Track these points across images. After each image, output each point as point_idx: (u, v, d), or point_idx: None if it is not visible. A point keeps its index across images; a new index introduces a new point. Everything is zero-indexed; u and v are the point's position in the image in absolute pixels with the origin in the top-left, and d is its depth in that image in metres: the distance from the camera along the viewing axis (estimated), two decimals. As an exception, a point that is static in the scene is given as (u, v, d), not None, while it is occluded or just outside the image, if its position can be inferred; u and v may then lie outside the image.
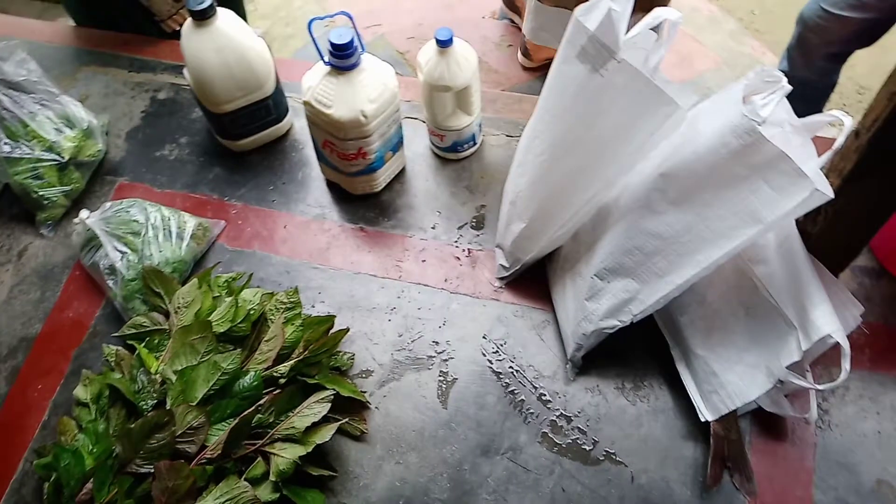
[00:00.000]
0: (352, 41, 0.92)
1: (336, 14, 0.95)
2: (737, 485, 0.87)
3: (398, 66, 1.02)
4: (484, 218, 1.08)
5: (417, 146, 1.15)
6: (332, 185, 1.12)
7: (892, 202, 0.78)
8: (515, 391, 0.95)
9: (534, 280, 1.02)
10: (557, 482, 0.89)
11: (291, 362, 0.90)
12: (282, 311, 0.95)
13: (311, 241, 1.08)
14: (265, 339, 0.92)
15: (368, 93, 0.95)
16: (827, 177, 0.80)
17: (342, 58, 0.93)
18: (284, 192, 1.13)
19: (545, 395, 0.94)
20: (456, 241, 1.06)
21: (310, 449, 0.85)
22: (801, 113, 0.83)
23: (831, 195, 0.77)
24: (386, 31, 1.51)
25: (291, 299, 0.96)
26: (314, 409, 0.88)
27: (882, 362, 0.94)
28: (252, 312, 0.94)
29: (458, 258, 1.05)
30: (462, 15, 1.52)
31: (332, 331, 0.94)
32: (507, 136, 1.16)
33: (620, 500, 0.87)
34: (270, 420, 0.87)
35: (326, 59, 0.94)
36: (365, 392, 0.95)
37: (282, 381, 0.89)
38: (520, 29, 1.44)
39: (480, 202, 1.10)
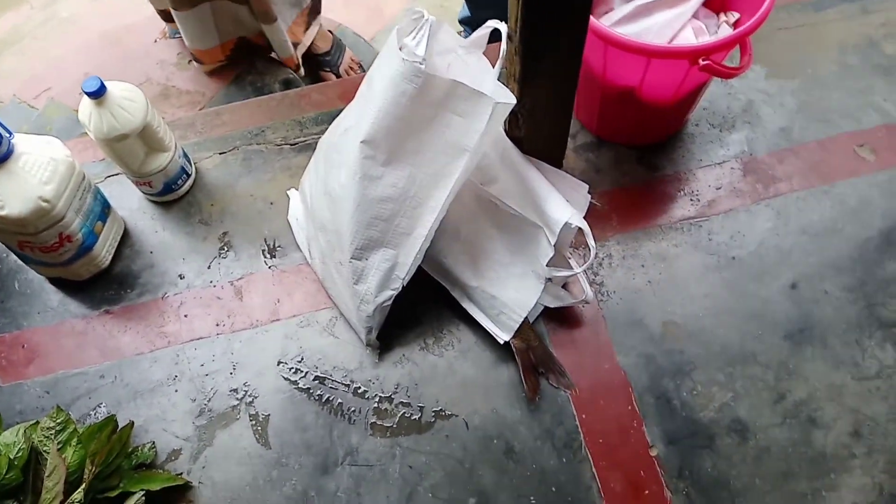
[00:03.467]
0: (-10, 131, 0.81)
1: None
2: (554, 384, 0.92)
3: (79, 126, 0.92)
4: (231, 244, 1.03)
5: (132, 202, 1.05)
6: (57, 281, 1.00)
7: (566, 88, 0.83)
8: (330, 398, 0.92)
9: (303, 282, 0.99)
10: (402, 462, 0.88)
11: (84, 485, 0.81)
12: (52, 437, 0.84)
13: (59, 348, 0.96)
14: (46, 475, 0.82)
15: (39, 176, 0.85)
16: (507, 84, 0.84)
17: (-12, 152, 0.81)
18: (7, 310, 0.99)
19: (360, 387, 0.93)
20: (212, 281, 1.00)
21: (141, 562, 0.78)
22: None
23: (514, 101, 0.80)
24: (56, 93, 1.36)
25: (58, 420, 0.85)
26: (129, 520, 0.80)
27: (629, 220, 1.02)
28: (19, 455, 0.83)
29: (220, 297, 0.99)
30: (132, 47, 1.41)
31: (117, 432, 0.86)
32: (220, 153, 1.10)
33: (464, 449, 0.89)
34: (89, 554, 0.79)
35: (-29, 159, 0.82)
36: (181, 473, 0.88)
37: (82, 509, 0.80)
38: None
39: (221, 230, 1.04)
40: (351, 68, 1.47)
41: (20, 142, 0.86)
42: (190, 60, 1.36)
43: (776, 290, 0.96)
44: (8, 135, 0.84)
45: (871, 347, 0.92)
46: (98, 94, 0.87)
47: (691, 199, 1.02)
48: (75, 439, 0.84)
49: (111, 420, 0.86)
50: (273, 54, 1.34)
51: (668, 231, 1.00)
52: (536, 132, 0.90)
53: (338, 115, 0.94)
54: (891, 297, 0.95)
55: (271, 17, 1.25)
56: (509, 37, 0.77)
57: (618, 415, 0.90)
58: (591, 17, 0.84)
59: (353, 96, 0.89)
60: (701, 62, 0.83)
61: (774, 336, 0.93)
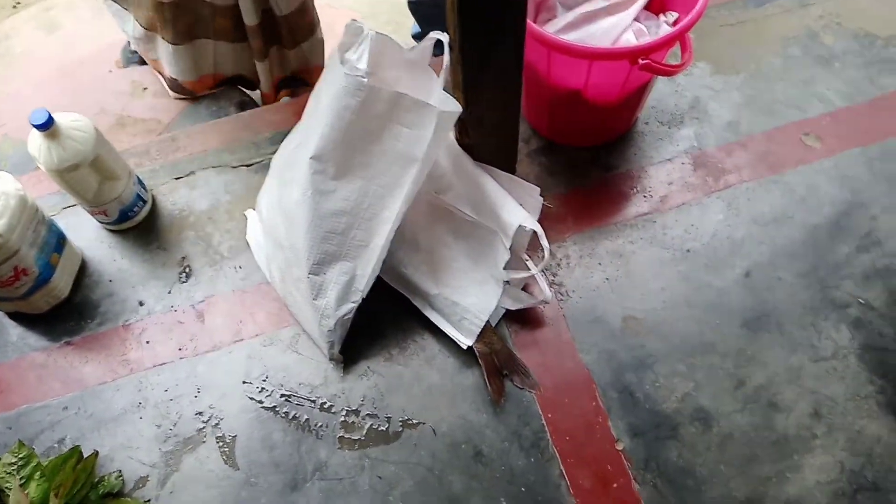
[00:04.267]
0: (-65, 168, 0.80)
1: None
2: (519, 385, 0.92)
3: (33, 161, 0.92)
4: (190, 268, 1.02)
5: (89, 232, 1.05)
6: (15, 315, 1.00)
7: (509, 95, 0.84)
8: (297, 415, 0.92)
9: (265, 302, 0.99)
10: (371, 474, 0.88)
11: (49, 520, 0.80)
12: (15, 473, 0.84)
13: (20, 383, 0.95)
14: (9, 512, 0.81)
15: (-10, 210, 0.85)
16: (453, 93, 0.85)
17: (-65, 189, 0.81)
18: (-36, 348, 0.98)
19: (326, 402, 0.93)
20: (172, 306, 1.00)
21: (110, 593, 0.77)
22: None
23: (459, 109, 0.81)
24: (10, 129, 1.35)
25: (20, 455, 0.85)
26: (96, 551, 0.80)
27: (584, 220, 1.03)
28: (-19, 494, 0.82)
29: (182, 321, 0.98)
30: (86, 78, 1.40)
31: (81, 462, 0.85)
32: (176, 178, 1.10)
33: (432, 456, 0.89)
34: (57, 588, 0.78)
35: (-82, 196, 0.82)
36: (149, 500, 0.87)
37: (49, 544, 0.79)
38: (145, 63, 1.37)
39: (180, 255, 1.04)
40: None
41: (-31, 178, 0.85)
42: (146, 88, 1.36)
43: (731, 280, 0.98)
44: (-45, 172, 0.84)
45: (826, 329, 0.94)
46: (46, 126, 0.87)
47: (644, 196, 1.04)
48: (38, 473, 0.83)
49: (76, 451, 0.86)
50: (258, 89, 1.37)
51: (624, 228, 1.02)
52: (485, 140, 0.92)
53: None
54: (843, 279, 0.97)
55: (264, 55, 1.28)
56: (450, 46, 0.79)
57: (583, 412, 0.91)
58: (534, 24, 0.86)
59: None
60: (640, 62, 0.85)
61: (732, 325, 0.95)
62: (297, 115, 1.12)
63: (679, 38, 0.89)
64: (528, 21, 0.86)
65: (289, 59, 1.34)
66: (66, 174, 0.91)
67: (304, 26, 1.29)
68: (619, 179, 1.06)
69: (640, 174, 1.06)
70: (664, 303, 0.97)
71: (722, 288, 0.97)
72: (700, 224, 1.01)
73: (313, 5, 1.28)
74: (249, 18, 1.20)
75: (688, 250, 1.00)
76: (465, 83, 0.81)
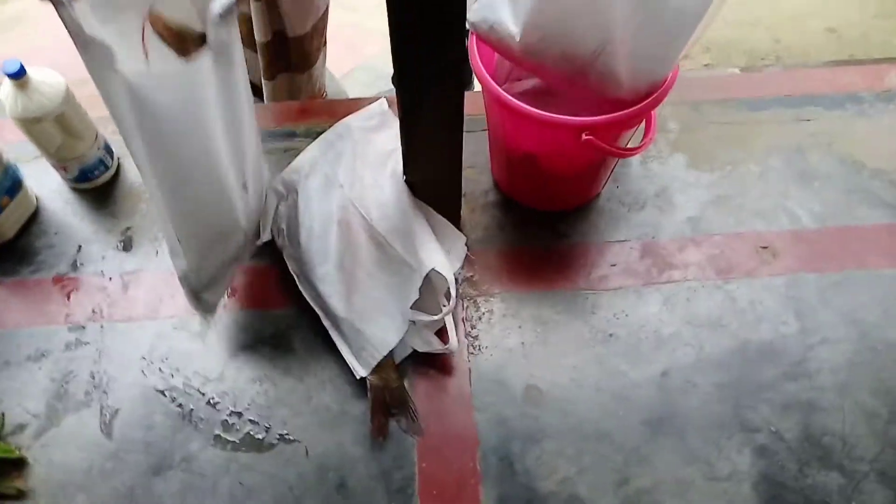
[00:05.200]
0: None
1: None
2: (403, 428, 0.91)
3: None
4: (131, 239, 1.05)
5: (51, 183, 1.10)
6: (-41, 246, 1.04)
7: (448, 141, 0.85)
8: (182, 403, 0.93)
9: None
10: (235, 478, 0.88)
11: (-88, 442, 0.82)
12: None
13: (-56, 308, 1.00)
14: None
15: (-54, 141, 0.89)
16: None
17: None
18: None
19: (213, 398, 0.94)
20: (102, 271, 1.02)
21: (-57, 528, 0.79)
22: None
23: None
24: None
25: (-87, 376, 0.88)
26: (-55, 483, 0.82)
27: (518, 280, 1.02)
28: None
29: (106, 287, 1.01)
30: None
31: (-35, 396, 0.88)
32: (147, 153, 1.13)
33: (298, 476, 0.89)
34: None
35: None
36: (20, 448, 0.89)
37: None
38: None
39: (126, 224, 1.07)
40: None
41: (-65, 108, 0.90)
42: None
43: (646, 375, 0.95)
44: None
45: (727, 449, 0.90)
46: (17, 76, 0.91)
47: (584, 271, 1.03)
48: (-79, 396, 0.86)
49: (-37, 385, 0.89)
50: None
51: (554, 297, 1.01)
52: (425, 180, 0.92)
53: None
54: (760, 402, 0.93)
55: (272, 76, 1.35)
56: (393, 81, 0.80)
57: (459, 469, 0.89)
58: (489, 79, 0.87)
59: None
60: (584, 137, 0.84)
61: (633, 419, 0.92)
62: (278, 119, 1.16)
63: (637, 117, 0.88)
64: (486, 76, 0.87)
65: (299, 84, 1.37)
66: (29, 125, 0.95)
67: (316, 49, 1.32)
68: (565, 249, 1.05)
69: (586, 249, 1.05)
70: (572, 381, 0.95)
71: (635, 380, 0.95)
72: (631, 312, 0.99)
73: (325, 26, 1.32)
74: (260, 35, 1.24)
75: (611, 335, 0.98)
76: (403, 120, 0.82)
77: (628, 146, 0.96)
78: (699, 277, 1.02)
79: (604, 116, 0.85)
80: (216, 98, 0.72)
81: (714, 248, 1.04)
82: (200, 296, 0.88)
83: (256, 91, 1.44)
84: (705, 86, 1.21)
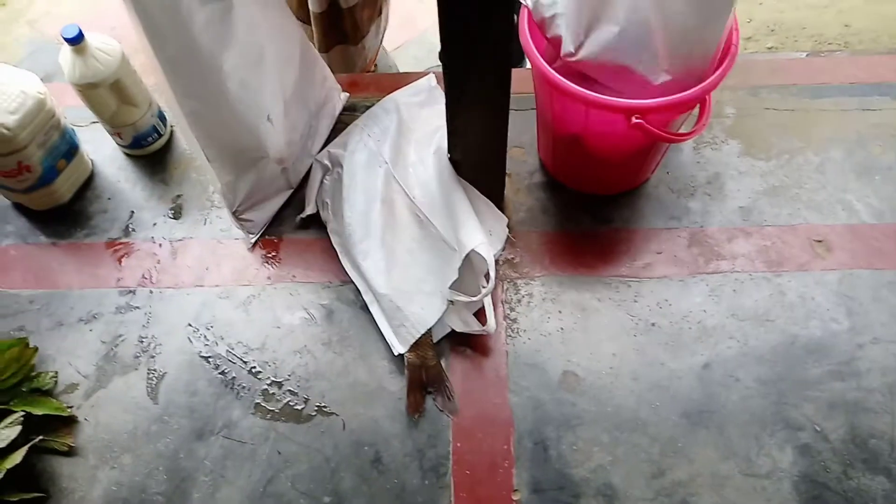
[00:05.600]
0: (-34, 55, 0.88)
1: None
2: (439, 406, 0.92)
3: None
4: (181, 207, 1.08)
5: (106, 149, 1.12)
6: (19, 207, 1.08)
7: (495, 120, 0.84)
8: (226, 371, 0.95)
9: (233, 257, 1.03)
10: (273, 447, 0.90)
11: (-30, 396, 0.86)
12: (-38, 346, 0.91)
13: (3, 268, 1.03)
14: (-55, 378, 0.88)
15: (6, 105, 0.92)
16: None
17: (-39, 74, 0.89)
18: (-32, 223, 1.07)
19: (255, 367, 0.95)
20: (152, 237, 1.05)
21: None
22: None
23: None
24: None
25: (-28, 332, 0.92)
26: (1, 435, 0.85)
27: (560, 264, 1.01)
28: (-69, 355, 0.90)
29: (156, 253, 1.04)
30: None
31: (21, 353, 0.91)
32: (198, 122, 1.15)
33: (334, 448, 0.90)
34: (-43, 458, 0.84)
35: (-53, 78, 0.90)
36: (71, 407, 0.93)
37: (-35, 416, 0.85)
38: None
39: (176, 192, 1.09)
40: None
41: (-3, 71, 0.93)
42: None
43: (687, 367, 0.93)
44: (-15, 63, 0.91)
45: (768, 445, 0.89)
46: (75, 41, 0.93)
47: (628, 258, 1.01)
48: (-20, 352, 0.90)
49: (21, 342, 0.92)
50: None
51: (596, 284, 0.99)
52: (469, 159, 0.91)
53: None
54: (805, 400, 0.91)
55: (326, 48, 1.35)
56: (440, 57, 0.79)
57: (492, 451, 0.90)
58: (538, 56, 0.85)
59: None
60: (634, 120, 0.82)
61: (672, 411, 0.91)
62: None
63: (690, 101, 0.85)
64: (534, 52, 0.86)
65: (352, 57, 1.36)
66: (86, 90, 0.97)
67: (367, 18, 1.31)
68: (609, 234, 1.03)
69: (631, 235, 1.03)
70: (611, 369, 0.94)
71: (675, 371, 0.93)
72: (675, 302, 0.97)
73: None
74: (315, 5, 1.23)
75: (653, 324, 0.96)
76: (449, 94, 0.81)
77: (680, 131, 0.93)
78: (748, 269, 0.99)
79: (656, 100, 0.82)
80: (217, 38, 0.80)
81: (765, 239, 1.01)
82: (239, 215, 0.98)
83: None
84: (765, 70, 1.16)
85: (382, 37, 1.46)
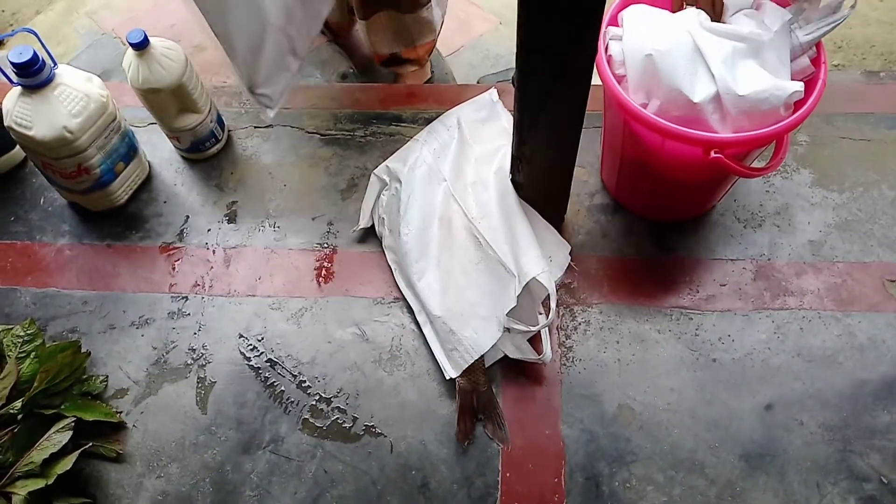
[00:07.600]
0: (34, 58, 0.88)
1: (17, 31, 0.91)
2: (489, 434, 0.90)
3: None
4: (236, 214, 1.07)
5: (163, 151, 1.12)
6: (76, 207, 1.08)
7: (564, 144, 0.81)
8: (275, 383, 0.94)
9: (287, 267, 1.02)
10: (320, 465, 0.89)
11: (24, 398, 0.86)
12: (18, 345, 0.91)
13: (57, 267, 1.04)
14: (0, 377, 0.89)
15: (70, 108, 0.92)
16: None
17: (28, 76, 0.89)
18: (27, 220, 1.08)
19: (305, 381, 0.94)
20: (206, 244, 1.04)
21: (50, 481, 0.83)
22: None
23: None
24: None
25: (29, 331, 0.92)
26: (53, 439, 0.85)
27: (619, 292, 0.98)
28: (-12, 352, 0.90)
29: (209, 260, 1.03)
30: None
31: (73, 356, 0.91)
32: (255, 127, 1.14)
33: (381, 470, 0.89)
34: (10, 459, 0.84)
35: (14, 79, 0.90)
36: (120, 412, 0.93)
37: (19, 417, 0.85)
38: None
39: (231, 199, 1.08)
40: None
41: (63, 73, 0.93)
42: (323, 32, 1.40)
43: (749, 406, 0.90)
44: (52, 64, 0.91)
45: (831, 495, 0.85)
46: (140, 46, 0.92)
47: (690, 289, 0.98)
48: (35, 352, 0.90)
49: (73, 344, 0.92)
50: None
51: (656, 314, 0.96)
52: (534, 182, 0.89)
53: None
54: (872, 449, 0.87)
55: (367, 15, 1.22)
56: (512, 80, 0.77)
57: (542, 484, 0.87)
58: (615, 83, 0.82)
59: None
60: (712, 154, 0.79)
61: (731, 453, 0.88)
62: (384, 102, 1.15)
63: (773, 138, 0.82)
64: (611, 78, 0.83)
65: (405, 26, 1.21)
66: (148, 95, 0.97)
67: None
68: (671, 263, 1.00)
69: (694, 265, 0.99)
70: (669, 405, 0.91)
71: (736, 411, 0.90)
72: (738, 337, 0.94)
73: None
74: None
75: (714, 360, 0.93)
76: (520, 120, 0.79)
77: (754, 163, 0.90)
78: (816, 307, 0.95)
79: (736, 135, 0.79)
80: None
81: (835, 276, 0.97)
82: (255, 90, 0.90)
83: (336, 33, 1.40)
84: (843, 98, 1.11)
85: (445, 11, 1.29)
